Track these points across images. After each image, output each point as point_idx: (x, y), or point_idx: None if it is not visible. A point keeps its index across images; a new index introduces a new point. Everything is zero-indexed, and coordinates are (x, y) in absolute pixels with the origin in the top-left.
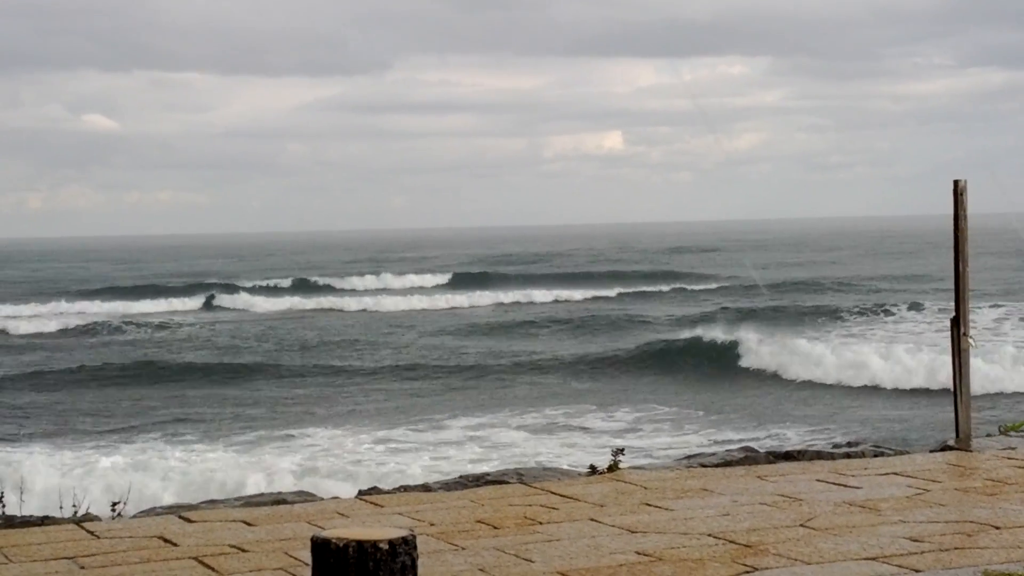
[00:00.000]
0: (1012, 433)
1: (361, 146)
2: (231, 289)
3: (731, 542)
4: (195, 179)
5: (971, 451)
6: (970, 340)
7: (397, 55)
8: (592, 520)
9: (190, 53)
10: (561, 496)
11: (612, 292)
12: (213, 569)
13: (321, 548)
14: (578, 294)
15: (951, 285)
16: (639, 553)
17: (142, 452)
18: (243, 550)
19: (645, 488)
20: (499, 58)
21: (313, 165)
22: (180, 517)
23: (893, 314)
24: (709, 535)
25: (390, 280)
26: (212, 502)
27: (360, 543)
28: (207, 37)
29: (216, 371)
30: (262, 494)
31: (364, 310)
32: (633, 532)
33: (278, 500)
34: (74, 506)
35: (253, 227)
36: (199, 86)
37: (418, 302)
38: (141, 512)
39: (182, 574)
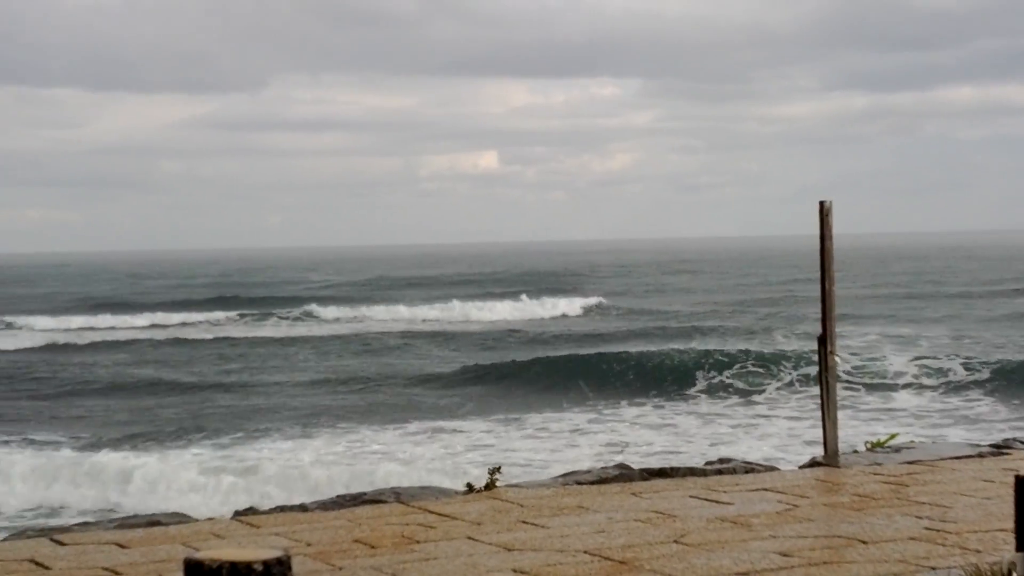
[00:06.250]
0: (878, 449)
1: (235, 164)
2: None
3: (606, 559)
4: (66, 197)
5: (839, 467)
6: (836, 358)
7: (271, 73)
8: (469, 538)
9: (57, 69)
10: (438, 515)
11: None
12: None
13: (194, 570)
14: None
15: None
16: (516, 571)
17: None
18: (116, 572)
19: (522, 506)
20: (373, 77)
21: (187, 183)
22: (52, 540)
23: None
24: (585, 552)
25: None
26: (84, 524)
27: (234, 564)
28: (75, 52)
29: None
30: (136, 515)
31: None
32: (510, 550)
33: (152, 522)
34: None
35: (130, 245)
36: (68, 102)
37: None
38: (12, 535)
39: None
